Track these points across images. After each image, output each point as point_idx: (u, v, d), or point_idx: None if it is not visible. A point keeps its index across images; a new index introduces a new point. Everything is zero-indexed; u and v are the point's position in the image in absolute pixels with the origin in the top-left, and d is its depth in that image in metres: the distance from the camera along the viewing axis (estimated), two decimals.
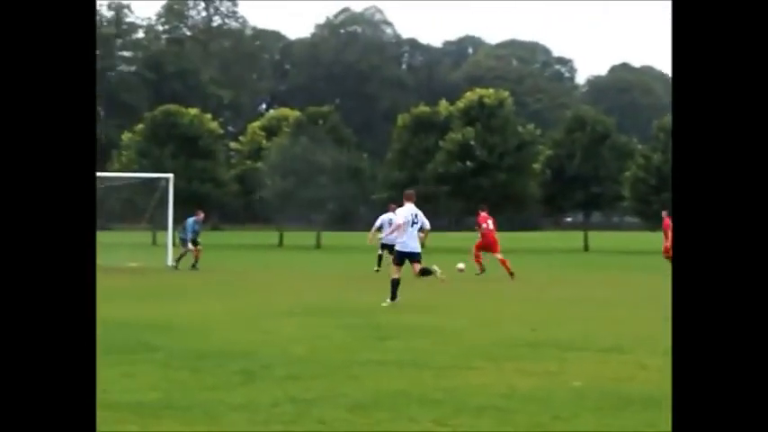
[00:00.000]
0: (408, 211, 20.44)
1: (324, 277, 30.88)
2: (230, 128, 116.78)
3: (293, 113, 71.48)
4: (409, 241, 20.30)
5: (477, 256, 31.29)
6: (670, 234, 31.99)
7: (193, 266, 33.06)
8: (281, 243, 67.13)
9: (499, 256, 30.38)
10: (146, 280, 26.70)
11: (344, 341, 14.16)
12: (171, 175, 38.06)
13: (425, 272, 20.45)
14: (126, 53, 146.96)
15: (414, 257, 20.36)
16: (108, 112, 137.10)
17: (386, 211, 31.96)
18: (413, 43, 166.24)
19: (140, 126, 70.28)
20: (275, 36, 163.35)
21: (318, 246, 63.67)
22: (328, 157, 62.75)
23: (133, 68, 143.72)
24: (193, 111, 70.51)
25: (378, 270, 30.87)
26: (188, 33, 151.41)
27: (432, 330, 15.40)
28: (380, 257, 31.56)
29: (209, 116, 72.17)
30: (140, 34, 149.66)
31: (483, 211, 32.06)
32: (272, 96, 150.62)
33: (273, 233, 70.46)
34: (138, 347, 13.22)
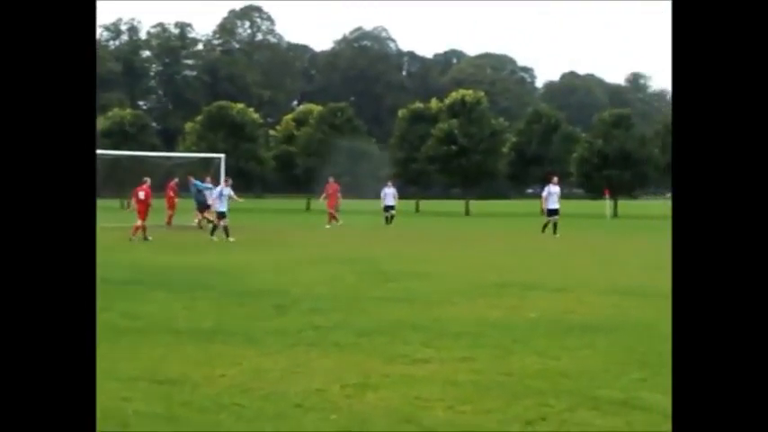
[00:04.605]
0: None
1: (338, 235, 30.82)
2: (269, 119, 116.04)
3: (317, 108, 71.06)
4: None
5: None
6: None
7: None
8: (308, 208, 67.03)
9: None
10: (201, 236, 26.59)
11: (355, 283, 14.20)
12: (223, 156, 37.91)
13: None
14: (189, 61, 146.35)
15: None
16: (175, 106, 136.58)
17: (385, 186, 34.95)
18: (411, 55, 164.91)
19: (199, 117, 69.97)
20: (304, 48, 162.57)
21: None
22: (345, 142, 62.90)
23: (194, 73, 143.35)
24: (240, 105, 70.13)
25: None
26: (237, 46, 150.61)
27: (423, 275, 15.43)
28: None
29: (252, 110, 71.78)
30: (200, 47, 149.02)
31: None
32: (301, 95, 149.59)
33: (303, 200, 70.22)
34: (198, 286, 13.30)
